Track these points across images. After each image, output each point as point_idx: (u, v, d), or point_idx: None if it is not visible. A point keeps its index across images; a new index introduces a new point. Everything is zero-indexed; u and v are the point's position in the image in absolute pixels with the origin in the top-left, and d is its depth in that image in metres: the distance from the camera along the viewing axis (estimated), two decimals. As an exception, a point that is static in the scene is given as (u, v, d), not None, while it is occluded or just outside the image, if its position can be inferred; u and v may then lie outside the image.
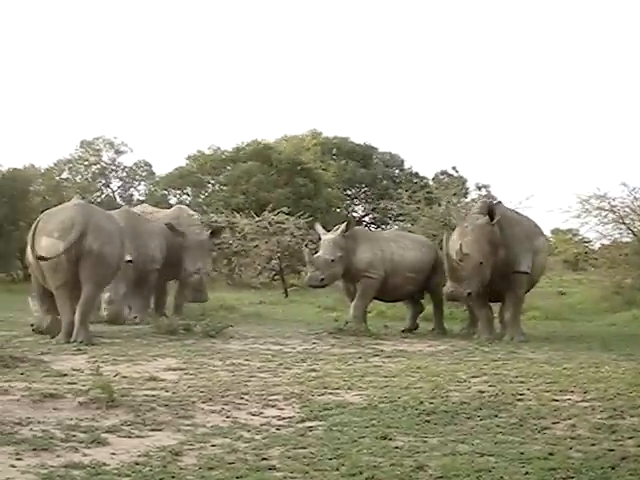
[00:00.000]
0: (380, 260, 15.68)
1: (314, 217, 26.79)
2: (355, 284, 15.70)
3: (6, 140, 56.75)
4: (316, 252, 15.92)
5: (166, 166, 65.25)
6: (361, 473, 5.71)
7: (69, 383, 8.90)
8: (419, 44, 72.54)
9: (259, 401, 8.27)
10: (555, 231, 37.09)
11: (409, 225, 26.60)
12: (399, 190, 30.14)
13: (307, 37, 73.74)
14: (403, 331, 15.84)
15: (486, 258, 14.27)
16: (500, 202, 16.09)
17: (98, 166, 43.32)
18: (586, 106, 70.26)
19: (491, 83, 70.25)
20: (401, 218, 33.62)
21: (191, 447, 6.41)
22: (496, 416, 7.63)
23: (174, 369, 10.21)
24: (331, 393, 8.76)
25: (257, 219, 27.74)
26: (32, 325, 13.71)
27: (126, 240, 14.49)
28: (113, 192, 43.48)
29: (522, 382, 9.46)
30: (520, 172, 62.71)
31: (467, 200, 28.39)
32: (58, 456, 6.03)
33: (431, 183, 40.08)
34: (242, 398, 8.39)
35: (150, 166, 44.32)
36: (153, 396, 8.30)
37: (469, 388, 9.10)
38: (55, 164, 41.09)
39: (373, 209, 42.22)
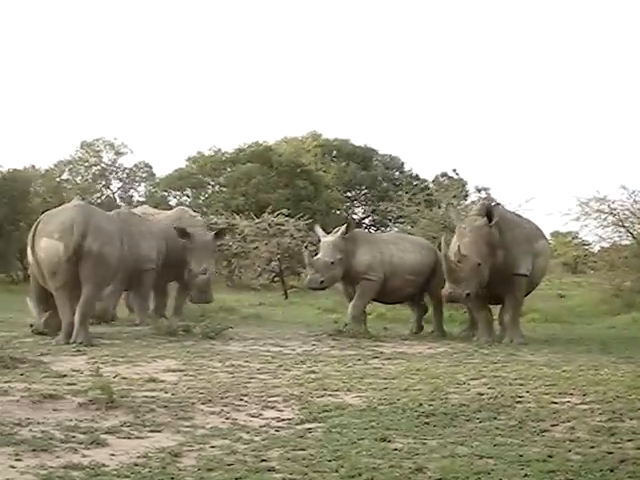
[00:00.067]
0: (379, 262, 15.68)
1: (314, 219, 26.85)
2: (355, 286, 15.69)
3: (6, 141, 56.88)
4: (316, 254, 15.91)
5: (166, 167, 65.58)
6: (360, 475, 5.72)
7: (69, 384, 8.88)
8: (420, 46, 72.69)
9: (258, 402, 8.27)
10: (555, 234, 37.08)
11: (409, 227, 26.62)
12: (399, 192, 30.10)
13: (308, 39, 73.93)
14: (415, 333, 15.87)
15: (484, 259, 14.27)
16: (499, 204, 16.12)
17: (98, 167, 43.42)
18: (586, 109, 70.47)
19: (491, 86, 70.40)
20: (401, 220, 33.62)
21: (190, 448, 6.42)
22: (495, 418, 7.63)
23: (174, 370, 10.21)
24: (330, 395, 8.76)
25: (257, 221, 27.77)
26: (31, 326, 13.71)
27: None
28: (113, 193, 43.56)
29: (521, 384, 9.46)
30: (520, 175, 62.89)
31: (467, 202, 28.44)
32: (57, 457, 6.04)
33: (431, 185, 40.05)
34: (241, 399, 8.39)
35: (150, 167, 44.45)
36: (152, 397, 8.29)
37: (468, 390, 9.10)
38: (55, 165, 41.21)
39: (373, 211, 42.25)
